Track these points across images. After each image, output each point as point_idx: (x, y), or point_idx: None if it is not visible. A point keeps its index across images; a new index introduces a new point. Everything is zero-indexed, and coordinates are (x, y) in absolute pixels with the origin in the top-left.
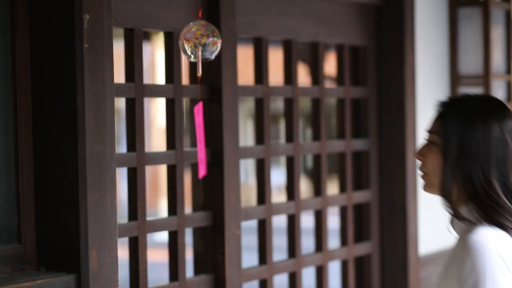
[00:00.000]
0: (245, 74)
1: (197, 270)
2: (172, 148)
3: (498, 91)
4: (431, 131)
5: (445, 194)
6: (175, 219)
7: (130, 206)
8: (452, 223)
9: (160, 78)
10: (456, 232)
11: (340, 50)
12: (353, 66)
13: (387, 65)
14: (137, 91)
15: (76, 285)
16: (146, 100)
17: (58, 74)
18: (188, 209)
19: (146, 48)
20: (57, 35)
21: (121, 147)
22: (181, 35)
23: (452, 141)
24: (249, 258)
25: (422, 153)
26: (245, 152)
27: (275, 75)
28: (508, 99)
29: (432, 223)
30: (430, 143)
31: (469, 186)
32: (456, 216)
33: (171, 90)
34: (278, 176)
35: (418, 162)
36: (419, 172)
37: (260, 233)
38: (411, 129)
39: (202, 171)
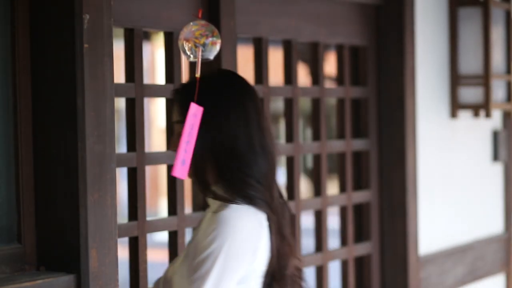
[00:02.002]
0: (245, 74)
1: None
2: None
3: (498, 91)
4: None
5: (198, 177)
6: (175, 219)
7: (130, 206)
8: (209, 202)
9: (160, 78)
10: (212, 210)
11: (340, 50)
12: (353, 66)
13: (387, 65)
14: (137, 91)
15: (76, 285)
16: (146, 100)
17: (58, 74)
18: (188, 209)
19: (146, 48)
20: (57, 35)
21: (121, 147)
22: (180, 35)
23: (203, 131)
24: None
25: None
26: None
27: (275, 75)
28: (508, 99)
29: (432, 223)
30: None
31: (219, 168)
32: (211, 195)
33: (171, 90)
34: (278, 176)
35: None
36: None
37: None
38: (411, 129)
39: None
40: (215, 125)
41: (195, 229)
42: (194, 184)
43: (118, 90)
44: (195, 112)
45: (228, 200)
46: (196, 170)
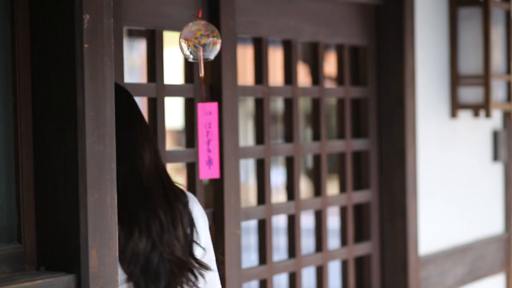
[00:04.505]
0: (245, 74)
1: None
2: (191, 146)
3: (498, 91)
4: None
5: None
6: None
7: None
8: None
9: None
10: None
11: (340, 50)
12: (353, 66)
13: (387, 65)
14: (158, 91)
15: (76, 285)
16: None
17: (58, 74)
18: None
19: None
20: (57, 35)
21: None
22: (181, 35)
23: None
24: (249, 258)
25: None
26: (245, 152)
27: (275, 75)
28: (508, 99)
29: (432, 223)
30: None
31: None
32: None
33: (191, 90)
34: (278, 176)
35: None
36: None
37: (260, 233)
38: (411, 129)
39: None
40: None
41: None
42: None
43: (140, 90)
44: (207, 110)
45: None
46: None
